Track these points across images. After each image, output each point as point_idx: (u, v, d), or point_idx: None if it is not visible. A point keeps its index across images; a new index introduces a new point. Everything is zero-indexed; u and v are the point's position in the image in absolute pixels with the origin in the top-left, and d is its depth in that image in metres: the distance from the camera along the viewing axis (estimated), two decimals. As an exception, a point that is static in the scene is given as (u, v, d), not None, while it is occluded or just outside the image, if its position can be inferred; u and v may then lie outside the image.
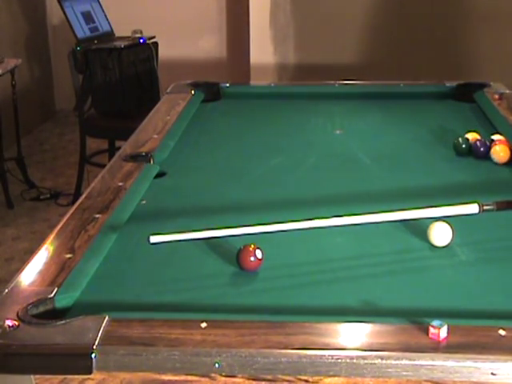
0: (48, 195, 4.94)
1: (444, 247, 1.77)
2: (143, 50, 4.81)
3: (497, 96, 3.02)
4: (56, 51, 6.56)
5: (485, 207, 1.79)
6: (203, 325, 1.37)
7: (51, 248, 1.74)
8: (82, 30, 4.75)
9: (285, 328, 1.37)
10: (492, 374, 1.26)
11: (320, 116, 3.06)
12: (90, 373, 1.30)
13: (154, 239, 1.64)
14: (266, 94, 3.36)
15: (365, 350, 1.30)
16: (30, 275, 1.60)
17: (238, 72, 5.97)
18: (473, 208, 1.80)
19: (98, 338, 1.33)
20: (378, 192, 2.21)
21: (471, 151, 2.48)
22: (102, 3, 5.01)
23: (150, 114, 2.93)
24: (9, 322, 1.38)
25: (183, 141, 2.66)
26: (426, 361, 1.28)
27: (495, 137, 2.51)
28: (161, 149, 2.47)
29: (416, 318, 1.38)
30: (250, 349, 1.31)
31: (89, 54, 4.64)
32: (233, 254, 1.70)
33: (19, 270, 1.62)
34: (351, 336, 1.37)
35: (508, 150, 2.40)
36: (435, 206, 1.78)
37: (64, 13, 4.70)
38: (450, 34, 5.46)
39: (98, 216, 1.91)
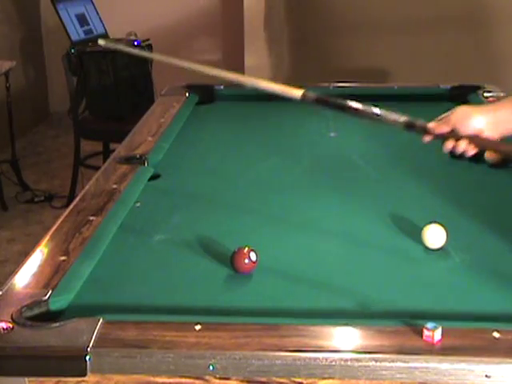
0: (42, 197, 4.93)
1: (438, 249, 1.77)
2: (138, 53, 4.80)
3: (491, 98, 3.02)
4: (50, 53, 6.55)
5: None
6: (197, 327, 1.37)
7: (45, 250, 1.74)
8: (77, 33, 4.75)
9: (279, 330, 1.37)
10: (486, 376, 1.26)
11: (314, 118, 3.06)
12: (85, 375, 1.30)
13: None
14: (260, 97, 3.35)
15: (359, 353, 1.30)
16: (24, 277, 1.60)
17: (232, 74, 5.96)
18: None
19: (93, 341, 1.33)
20: (371, 194, 2.21)
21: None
22: (96, 5, 5.01)
23: (145, 116, 2.93)
24: (3, 325, 1.38)
25: (177, 143, 2.66)
26: (420, 363, 1.28)
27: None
28: (155, 151, 2.47)
29: (410, 321, 1.38)
30: (244, 351, 1.31)
31: (83, 57, 4.63)
32: (227, 257, 1.70)
33: (13, 272, 1.62)
34: (345, 338, 1.37)
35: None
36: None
37: (58, 15, 4.70)
38: (444, 36, 5.47)
39: (92, 218, 1.90)
